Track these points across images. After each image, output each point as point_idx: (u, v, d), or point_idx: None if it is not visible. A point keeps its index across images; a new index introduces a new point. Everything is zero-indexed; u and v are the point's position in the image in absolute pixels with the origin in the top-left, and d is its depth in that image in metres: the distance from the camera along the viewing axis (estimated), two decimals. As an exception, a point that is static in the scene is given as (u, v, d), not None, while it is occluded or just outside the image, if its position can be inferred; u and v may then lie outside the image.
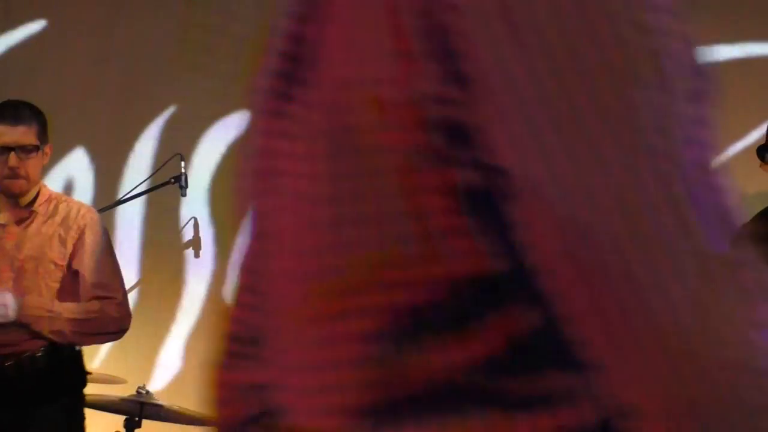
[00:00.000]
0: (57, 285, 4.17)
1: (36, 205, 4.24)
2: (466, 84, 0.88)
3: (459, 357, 0.92)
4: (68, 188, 6.46)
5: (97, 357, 6.23)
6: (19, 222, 4.19)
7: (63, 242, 4.20)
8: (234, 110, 6.52)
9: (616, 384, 0.87)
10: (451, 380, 0.92)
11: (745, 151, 6.28)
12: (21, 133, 4.19)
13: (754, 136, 6.08)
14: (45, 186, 4.37)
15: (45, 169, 6.50)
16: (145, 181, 6.09)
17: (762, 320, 0.86)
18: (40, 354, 4.07)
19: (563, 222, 0.86)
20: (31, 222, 4.21)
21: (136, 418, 5.12)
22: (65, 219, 4.26)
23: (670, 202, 0.85)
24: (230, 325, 1.21)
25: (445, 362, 0.92)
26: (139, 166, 6.43)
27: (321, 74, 0.99)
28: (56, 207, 4.28)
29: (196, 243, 6.36)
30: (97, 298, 4.25)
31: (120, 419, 5.19)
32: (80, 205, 4.42)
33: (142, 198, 6.17)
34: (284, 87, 1.06)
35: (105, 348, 6.29)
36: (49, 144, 4.32)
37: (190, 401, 5.42)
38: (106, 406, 5.19)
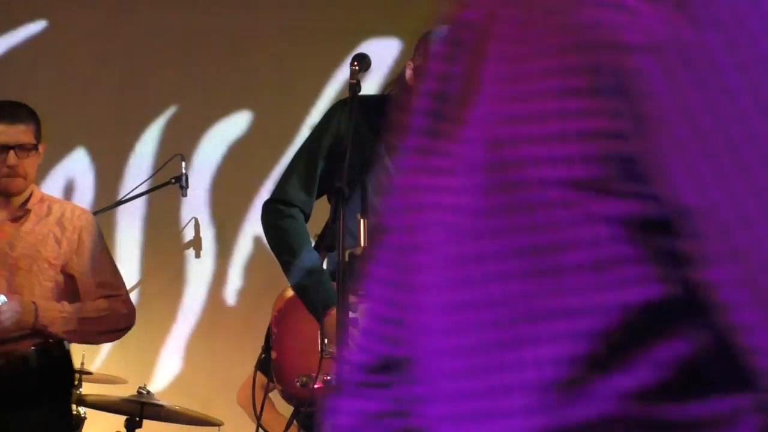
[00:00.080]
0: (50, 284, 4.17)
1: (29, 204, 4.24)
2: (639, 118, 0.90)
3: (630, 382, 0.93)
4: (69, 188, 6.46)
5: (98, 357, 6.23)
6: (12, 220, 4.19)
7: (58, 242, 4.20)
8: (234, 110, 6.53)
9: None
10: (622, 405, 0.93)
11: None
12: (20, 132, 4.19)
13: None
14: (36, 187, 4.37)
15: (45, 170, 6.54)
16: (145, 181, 6.10)
17: None
18: (31, 353, 4.07)
19: (742, 249, 0.88)
20: (25, 221, 4.21)
21: (137, 418, 5.12)
22: (60, 219, 4.26)
23: None
24: (355, 354, 1.20)
25: (616, 388, 0.93)
26: (139, 166, 6.44)
27: (477, 110, 1.00)
28: (49, 207, 4.28)
29: (196, 243, 6.37)
30: (104, 297, 4.26)
31: (121, 419, 5.19)
32: (74, 206, 4.42)
33: (143, 198, 6.17)
34: (433, 124, 1.07)
35: (106, 348, 6.29)
36: (44, 143, 4.32)
37: (191, 401, 5.43)
38: (106, 406, 5.20)
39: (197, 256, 6.36)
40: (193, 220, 6.39)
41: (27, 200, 4.25)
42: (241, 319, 6.24)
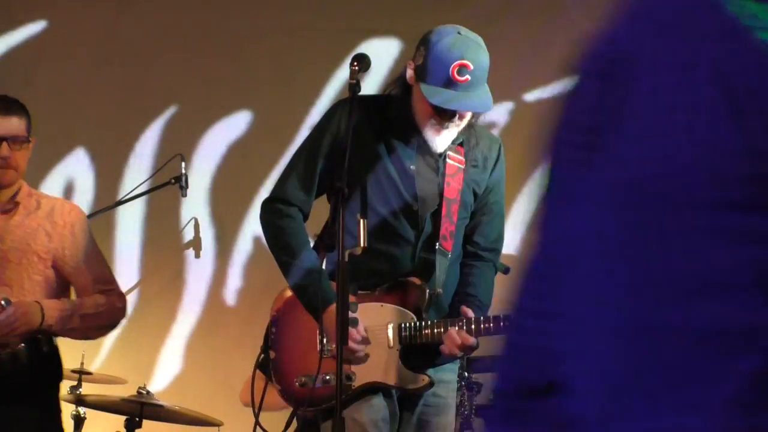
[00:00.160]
0: (39, 278, 4.16)
1: (18, 197, 4.22)
2: None
3: None
4: (68, 188, 6.46)
5: (97, 357, 6.24)
6: (1, 213, 4.18)
7: (49, 236, 4.18)
8: (234, 110, 6.53)
9: None
10: None
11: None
12: (13, 124, 4.19)
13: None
14: (24, 182, 4.34)
15: (45, 170, 6.54)
16: (145, 181, 6.10)
17: None
18: (22, 350, 4.05)
19: None
20: (14, 214, 4.19)
21: (137, 419, 5.12)
22: (50, 214, 4.23)
23: None
24: (503, 382, 1.21)
25: None
26: (139, 166, 6.43)
27: (631, 131, 1.03)
28: (38, 202, 4.26)
29: (196, 243, 6.37)
30: (101, 291, 4.25)
31: (120, 419, 5.19)
32: (63, 201, 4.41)
33: (143, 198, 6.17)
34: (585, 139, 1.10)
35: (106, 348, 6.29)
36: (33, 138, 4.31)
37: (191, 401, 5.43)
38: (106, 406, 5.19)
39: (197, 256, 6.36)
40: (193, 220, 6.39)
41: (16, 193, 4.24)
42: (240, 319, 6.24)
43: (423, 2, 6.34)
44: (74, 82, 6.52)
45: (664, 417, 0.99)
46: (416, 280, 3.48)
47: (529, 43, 6.46)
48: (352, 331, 3.37)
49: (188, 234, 6.39)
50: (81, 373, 5.39)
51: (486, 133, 3.67)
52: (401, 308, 3.49)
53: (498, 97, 3.55)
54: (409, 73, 3.49)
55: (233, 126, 6.51)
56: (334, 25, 6.46)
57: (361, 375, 3.43)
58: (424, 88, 3.40)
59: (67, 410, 5.36)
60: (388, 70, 6.04)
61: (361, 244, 3.23)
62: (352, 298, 3.27)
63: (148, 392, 5.14)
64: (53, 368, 4.21)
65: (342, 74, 6.33)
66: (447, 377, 3.59)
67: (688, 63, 1.00)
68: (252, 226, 6.30)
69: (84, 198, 6.43)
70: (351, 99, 3.36)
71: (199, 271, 6.40)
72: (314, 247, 3.57)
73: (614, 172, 1.03)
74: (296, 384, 3.47)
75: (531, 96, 6.44)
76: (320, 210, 3.56)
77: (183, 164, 5.99)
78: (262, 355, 3.59)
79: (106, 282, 4.29)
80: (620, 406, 1.02)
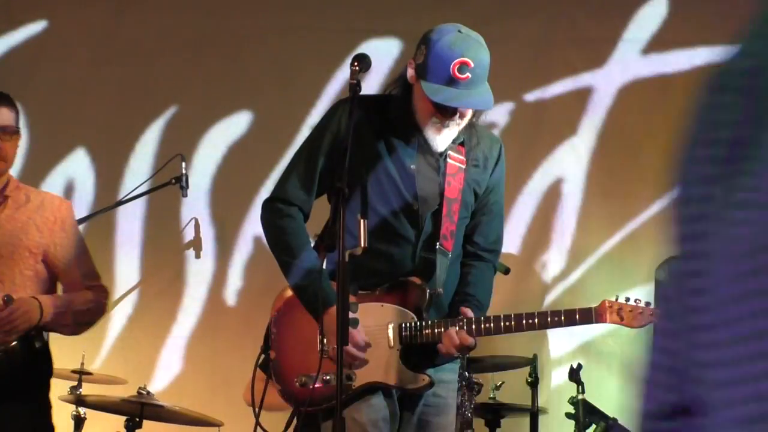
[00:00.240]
0: (30, 273, 4.14)
1: (7, 191, 4.20)
2: None
3: None
4: (69, 188, 6.46)
5: (98, 357, 6.23)
6: None
7: (39, 230, 4.16)
8: (234, 111, 6.52)
9: None
10: None
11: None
12: (3, 115, 4.18)
13: (755, 136, 6.08)
14: (12, 175, 4.31)
15: (46, 170, 6.54)
16: (145, 181, 6.10)
17: None
18: (16, 347, 4.05)
19: None
20: (4, 207, 4.17)
21: (137, 419, 5.12)
22: (40, 208, 4.21)
23: None
24: (644, 403, 1.21)
25: None
26: (139, 166, 6.43)
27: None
28: (27, 195, 4.23)
29: (196, 243, 6.36)
30: (88, 287, 4.23)
31: (121, 420, 5.19)
32: (53, 196, 4.38)
33: (143, 198, 6.17)
34: (716, 171, 1.11)
35: (106, 348, 6.29)
36: (20, 134, 4.29)
37: (191, 401, 5.43)
38: (106, 406, 5.20)
39: (197, 256, 6.36)
40: (193, 221, 6.39)
41: (5, 187, 4.22)
42: (241, 320, 6.24)
43: (423, 2, 6.34)
44: (74, 82, 6.52)
45: None
46: (416, 280, 3.48)
47: (530, 43, 6.46)
48: (354, 335, 3.36)
49: (188, 234, 6.39)
50: (81, 374, 5.39)
51: (487, 133, 3.67)
52: (401, 308, 3.49)
53: (498, 98, 3.55)
54: (410, 72, 3.49)
55: (234, 126, 6.51)
56: (334, 26, 6.46)
57: (362, 375, 3.43)
58: (425, 85, 3.40)
59: (68, 410, 5.37)
60: (389, 70, 6.05)
61: (362, 244, 3.23)
62: (352, 299, 3.27)
63: (148, 392, 5.14)
64: (45, 365, 4.20)
65: (342, 74, 6.33)
66: (447, 377, 3.59)
67: None
68: (252, 226, 6.30)
69: (84, 198, 6.43)
70: (352, 99, 3.36)
71: (199, 272, 6.40)
72: (314, 247, 3.57)
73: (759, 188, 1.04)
74: (296, 384, 3.47)
75: (531, 96, 6.44)
76: (321, 210, 3.56)
77: (183, 164, 5.99)
78: (263, 355, 3.59)
79: (93, 277, 4.28)
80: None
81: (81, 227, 6.04)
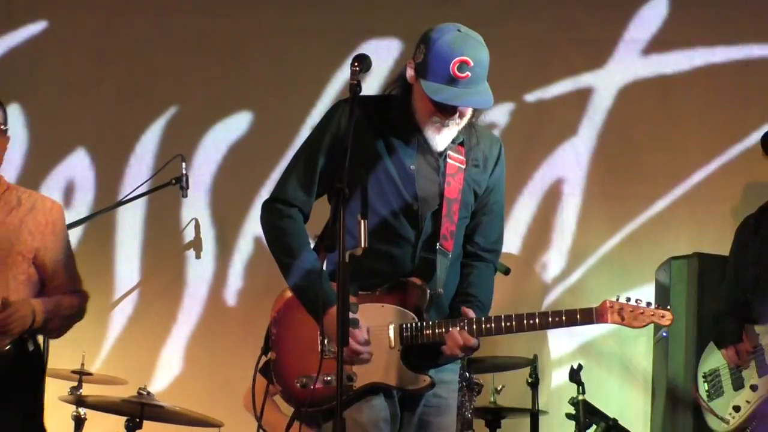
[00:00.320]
0: (23, 276, 4.12)
1: None
2: None
3: None
4: (69, 189, 6.46)
5: (98, 358, 6.23)
6: None
7: (31, 234, 4.14)
8: (234, 111, 6.52)
9: None
10: None
11: (747, 151, 6.29)
12: None
13: (755, 137, 6.08)
14: (2, 175, 4.28)
15: (46, 170, 6.53)
16: (146, 182, 6.10)
17: None
18: (10, 351, 4.04)
19: None
20: None
21: (137, 419, 5.12)
22: (32, 210, 4.19)
23: None
24: None
25: None
26: (139, 166, 6.43)
27: None
28: (19, 198, 4.20)
29: (197, 244, 6.36)
30: (72, 291, 4.22)
31: (121, 420, 5.19)
32: (44, 197, 4.32)
33: (143, 199, 6.17)
34: None
35: (106, 349, 6.29)
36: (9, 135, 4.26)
37: (191, 402, 5.42)
38: (107, 407, 5.20)
39: (197, 256, 6.36)
40: (194, 221, 6.39)
41: None
42: (241, 320, 6.24)
43: (423, 3, 6.34)
44: (74, 82, 6.52)
45: None
46: (417, 281, 3.48)
47: (530, 44, 6.47)
48: (355, 333, 3.36)
49: (189, 234, 6.39)
50: (81, 374, 5.40)
51: (486, 133, 3.67)
52: (402, 308, 3.48)
53: (498, 98, 3.55)
54: (410, 72, 3.49)
55: (234, 126, 6.51)
56: (334, 26, 6.46)
57: (363, 375, 3.43)
58: (424, 84, 3.40)
59: (68, 411, 5.37)
60: (389, 70, 6.05)
61: (362, 245, 3.22)
62: (352, 299, 3.27)
63: (148, 393, 5.14)
64: (38, 367, 4.20)
65: (342, 75, 6.34)
66: (448, 378, 3.59)
67: None
68: (252, 227, 6.30)
69: (84, 198, 6.43)
70: (352, 99, 3.36)
71: (199, 272, 6.40)
72: (314, 248, 3.56)
73: None
74: (297, 385, 3.47)
75: (531, 97, 6.44)
76: (320, 210, 3.56)
77: (183, 165, 5.99)
78: (263, 357, 3.58)
79: (77, 281, 4.26)
80: None
81: (81, 227, 6.07)
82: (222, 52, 6.53)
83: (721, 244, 5.32)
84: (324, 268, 3.42)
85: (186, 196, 6.04)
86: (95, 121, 6.50)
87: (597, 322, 3.47)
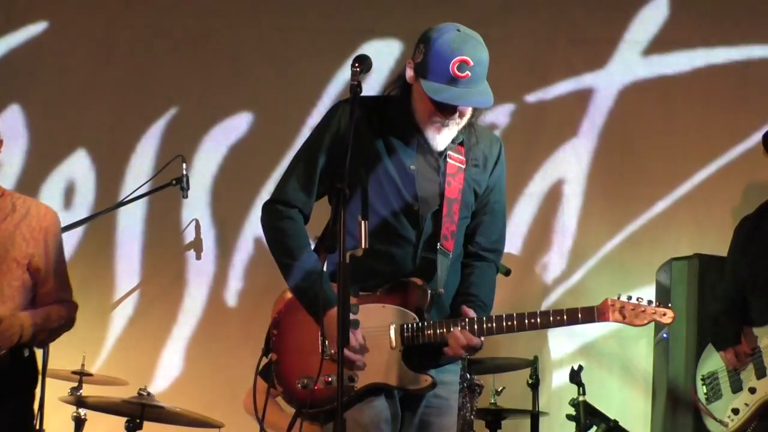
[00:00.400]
0: (18, 283, 4.12)
1: None
2: None
3: None
4: (69, 190, 6.46)
5: (98, 358, 6.23)
6: None
7: (26, 240, 4.13)
8: (235, 112, 6.52)
9: None
10: None
11: (747, 152, 6.29)
12: None
13: (756, 138, 6.08)
14: None
15: (46, 171, 6.53)
16: (146, 182, 6.10)
17: None
18: (6, 357, 4.04)
19: None
20: None
21: (138, 420, 5.12)
22: (27, 217, 4.18)
23: None
24: None
25: None
26: (140, 167, 6.43)
27: None
28: (14, 204, 4.20)
29: (197, 245, 6.36)
30: (61, 301, 4.21)
31: (121, 421, 5.19)
32: (39, 204, 4.32)
33: (144, 200, 6.17)
34: None
35: (106, 349, 6.29)
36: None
37: (192, 403, 5.42)
38: (107, 407, 5.19)
39: (198, 257, 6.36)
40: (194, 222, 6.39)
41: None
42: (241, 321, 6.24)
43: (424, 3, 6.35)
44: (75, 83, 6.52)
45: None
46: (418, 281, 3.48)
47: (530, 45, 6.46)
48: (350, 338, 3.36)
49: (189, 235, 6.39)
50: (82, 375, 5.39)
51: (486, 133, 3.66)
52: (403, 309, 3.48)
53: (499, 99, 3.55)
54: (409, 72, 3.49)
55: (234, 127, 6.51)
56: (334, 27, 6.46)
57: (364, 376, 3.43)
58: (424, 84, 3.40)
59: (68, 412, 5.37)
60: (389, 71, 6.05)
61: (362, 245, 3.22)
62: (353, 300, 3.26)
63: (148, 393, 5.14)
64: (31, 372, 4.20)
65: (342, 75, 6.34)
66: (449, 378, 3.58)
67: None
68: (253, 227, 6.30)
69: (85, 199, 6.43)
70: (352, 100, 3.35)
71: (200, 273, 6.40)
72: (315, 249, 3.56)
73: None
74: (298, 386, 3.47)
75: (532, 97, 6.44)
76: (321, 211, 3.55)
77: (184, 165, 5.99)
78: (263, 359, 3.57)
79: (66, 290, 4.26)
80: None
81: (82, 228, 6.07)
82: (222, 52, 6.54)
83: (721, 245, 5.32)
84: (324, 268, 3.42)
85: (186, 196, 6.04)
86: (95, 121, 6.50)
87: (598, 321, 3.47)
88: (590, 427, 5.41)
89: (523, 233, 6.36)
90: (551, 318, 3.46)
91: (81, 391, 5.35)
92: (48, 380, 4.88)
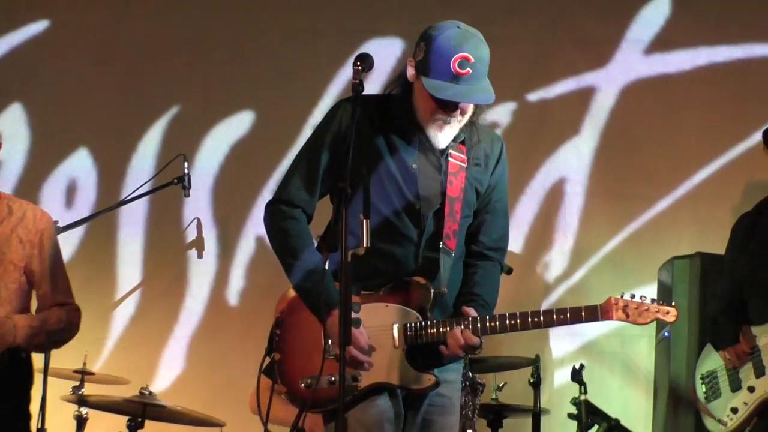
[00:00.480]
0: (14, 286, 4.13)
1: None
2: None
3: None
4: (71, 189, 6.46)
5: (100, 357, 6.24)
6: None
7: (22, 243, 4.14)
8: (236, 111, 6.52)
9: None
10: None
11: (749, 151, 6.28)
12: None
13: (757, 136, 6.07)
14: None
15: (48, 170, 6.54)
16: (148, 181, 6.10)
17: None
18: (4, 357, 4.04)
19: None
20: None
21: (139, 419, 5.12)
22: (23, 220, 4.20)
23: None
24: None
25: None
26: (142, 166, 6.43)
27: None
28: (9, 207, 4.21)
29: (199, 243, 6.36)
30: (60, 304, 4.21)
31: (123, 420, 5.19)
32: (34, 207, 4.33)
33: (145, 198, 6.17)
34: None
35: (108, 348, 6.30)
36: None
37: (193, 402, 5.43)
38: (109, 406, 5.19)
39: (199, 256, 6.35)
40: (196, 221, 6.39)
41: None
42: (243, 320, 6.24)
43: (425, 3, 6.34)
44: (76, 81, 6.52)
45: None
46: (421, 280, 3.48)
47: (532, 44, 6.46)
48: (357, 338, 3.35)
49: (191, 234, 6.39)
50: (83, 374, 5.39)
51: (487, 131, 3.66)
52: (406, 308, 3.48)
53: (501, 98, 3.55)
54: (410, 71, 3.49)
55: (236, 126, 6.51)
56: (336, 26, 6.46)
57: (367, 375, 3.42)
58: (425, 81, 3.40)
59: (70, 410, 5.37)
60: (391, 70, 6.04)
61: (364, 244, 3.22)
62: (355, 299, 3.26)
63: (150, 392, 5.14)
64: (27, 372, 4.20)
65: (344, 74, 6.34)
66: (451, 377, 3.58)
67: None
68: (255, 226, 6.30)
69: (86, 198, 6.43)
70: (354, 99, 3.35)
71: (201, 272, 6.40)
72: (317, 248, 3.56)
73: None
74: (301, 385, 3.46)
75: (534, 96, 6.44)
76: (323, 211, 3.55)
77: (185, 164, 5.99)
78: (267, 358, 3.57)
79: (65, 294, 4.25)
80: None
81: (83, 227, 6.07)
82: (224, 51, 6.54)
83: (723, 244, 5.31)
84: (327, 268, 3.42)
85: (188, 195, 6.03)
86: (97, 120, 6.50)
87: (602, 319, 3.46)
88: (591, 426, 5.41)
89: (524, 232, 6.36)
90: (554, 317, 3.45)
91: (83, 390, 5.35)
92: (50, 379, 4.89)
